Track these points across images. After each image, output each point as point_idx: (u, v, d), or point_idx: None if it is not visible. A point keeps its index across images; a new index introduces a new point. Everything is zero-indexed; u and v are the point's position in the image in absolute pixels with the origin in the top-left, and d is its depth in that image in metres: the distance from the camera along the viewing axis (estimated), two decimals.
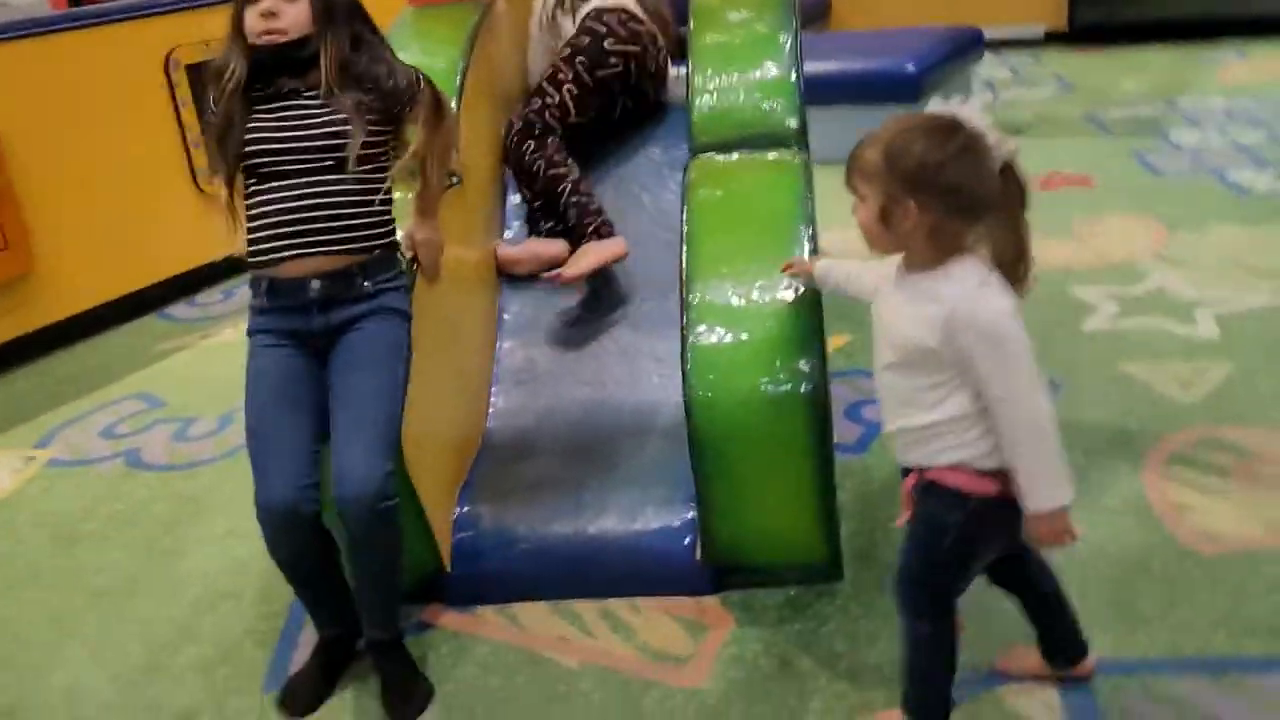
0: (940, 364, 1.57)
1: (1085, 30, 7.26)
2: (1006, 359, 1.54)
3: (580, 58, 2.91)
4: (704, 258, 2.22)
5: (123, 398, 3.60)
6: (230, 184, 2.06)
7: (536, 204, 2.91)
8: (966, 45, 5.52)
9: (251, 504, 1.96)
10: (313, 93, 2.03)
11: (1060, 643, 1.88)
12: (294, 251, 2.00)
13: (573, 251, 2.81)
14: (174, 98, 4.34)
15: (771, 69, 2.61)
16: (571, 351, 2.80)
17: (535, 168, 2.85)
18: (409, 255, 2.22)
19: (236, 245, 2.08)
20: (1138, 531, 2.27)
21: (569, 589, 2.27)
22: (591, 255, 2.78)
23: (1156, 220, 3.97)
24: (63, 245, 4.03)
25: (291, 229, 2.00)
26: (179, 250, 4.43)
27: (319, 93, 2.02)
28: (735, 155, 2.48)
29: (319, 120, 2.02)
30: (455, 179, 2.41)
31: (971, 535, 1.65)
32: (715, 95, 2.57)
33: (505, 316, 2.90)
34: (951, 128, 1.57)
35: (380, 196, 2.06)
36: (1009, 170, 1.60)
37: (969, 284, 1.57)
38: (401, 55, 2.84)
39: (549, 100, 2.89)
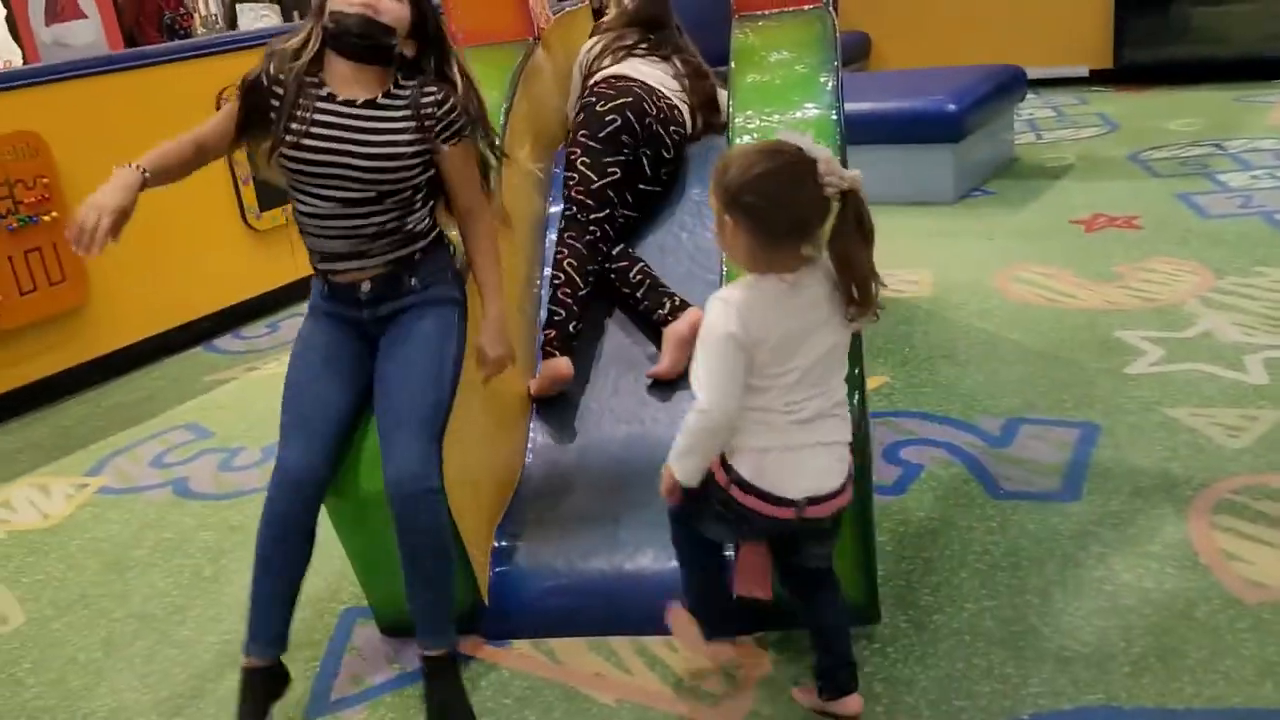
0: None
1: (1131, 70, 7.23)
2: (699, 358, 1.77)
3: (581, 131, 2.92)
4: None
5: (172, 428, 3.67)
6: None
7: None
8: (1009, 84, 5.52)
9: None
10: (369, 100, 2.06)
11: (825, 673, 1.97)
12: (345, 265, 2.09)
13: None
14: None
15: (812, 109, 2.63)
16: (610, 388, 2.82)
17: (566, 264, 2.80)
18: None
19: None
20: (1183, 578, 2.24)
21: (605, 625, 2.28)
22: (679, 346, 2.69)
23: (1203, 263, 3.93)
24: (116, 279, 4.14)
25: (342, 248, 2.08)
26: (227, 284, 4.53)
27: (376, 100, 2.06)
28: None
29: (375, 140, 2.05)
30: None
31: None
32: (756, 135, 2.58)
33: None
34: (774, 152, 1.71)
35: (421, 199, 2.13)
36: (848, 198, 1.70)
37: (725, 292, 1.78)
38: None
39: (570, 180, 2.89)
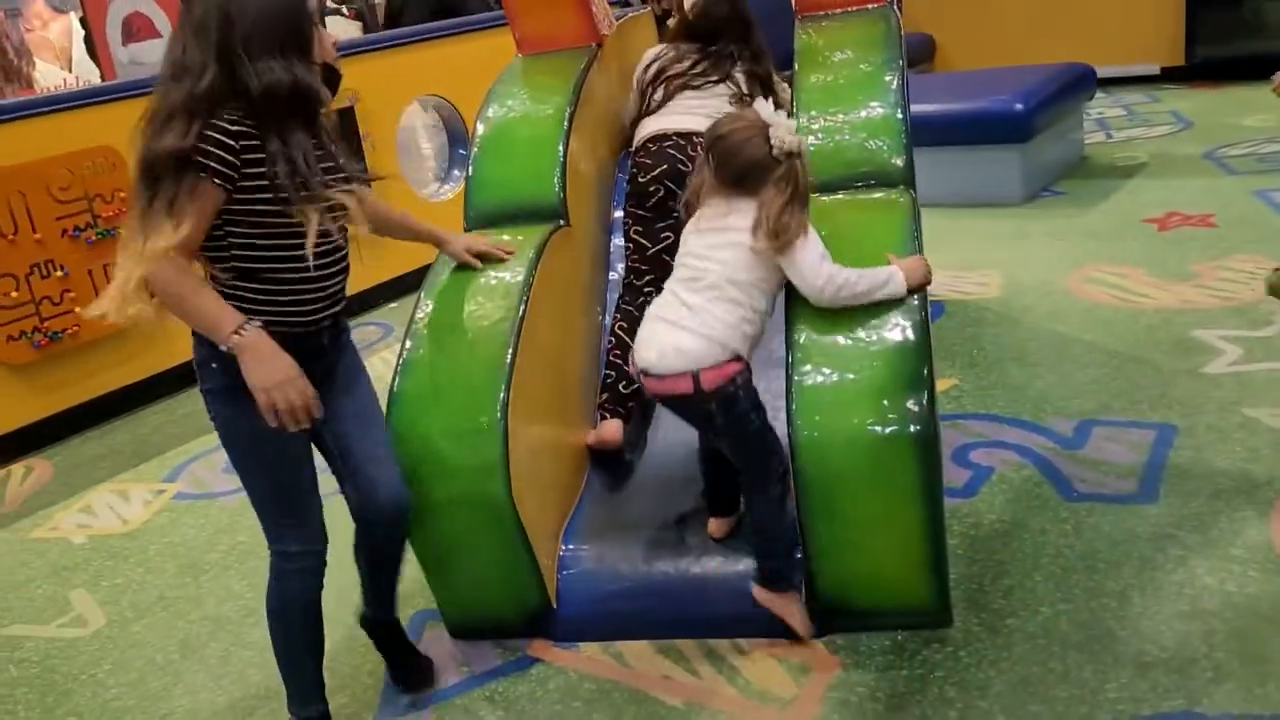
0: None
1: (1203, 66, 7.06)
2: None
3: (630, 202, 2.91)
4: None
5: None
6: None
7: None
8: (1077, 83, 5.42)
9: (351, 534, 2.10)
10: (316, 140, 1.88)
11: (757, 566, 2.24)
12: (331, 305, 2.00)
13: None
14: None
15: (877, 108, 2.61)
16: None
17: (617, 328, 2.81)
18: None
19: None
20: (1266, 581, 2.18)
21: (673, 628, 2.28)
22: None
23: None
24: None
25: (334, 286, 1.99)
26: None
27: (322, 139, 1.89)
28: (841, 195, 2.47)
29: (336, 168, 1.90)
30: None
31: None
32: (821, 135, 2.57)
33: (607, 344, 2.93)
34: (736, 116, 2.22)
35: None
36: (791, 158, 2.11)
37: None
38: (510, 102, 2.95)
39: (627, 249, 2.91)
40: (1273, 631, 2.03)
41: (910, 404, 2.01)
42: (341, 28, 7.14)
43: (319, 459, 2.05)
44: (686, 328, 2.10)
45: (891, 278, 2.14)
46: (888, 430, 2.01)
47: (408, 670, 2.28)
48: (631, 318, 2.79)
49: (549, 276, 2.49)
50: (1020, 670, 2.03)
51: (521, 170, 2.75)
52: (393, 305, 4.90)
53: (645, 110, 2.98)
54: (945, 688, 2.01)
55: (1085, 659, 2.03)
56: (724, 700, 2.08)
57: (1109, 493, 2.57)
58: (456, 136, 5.37)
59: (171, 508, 3.30)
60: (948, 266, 4.19)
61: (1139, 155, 5.57)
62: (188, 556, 2.97)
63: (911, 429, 2.00)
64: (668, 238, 2.80)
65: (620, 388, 2.71)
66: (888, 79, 2.65)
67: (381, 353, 4.34)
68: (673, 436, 2.70)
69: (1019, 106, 4.89)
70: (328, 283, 1.95)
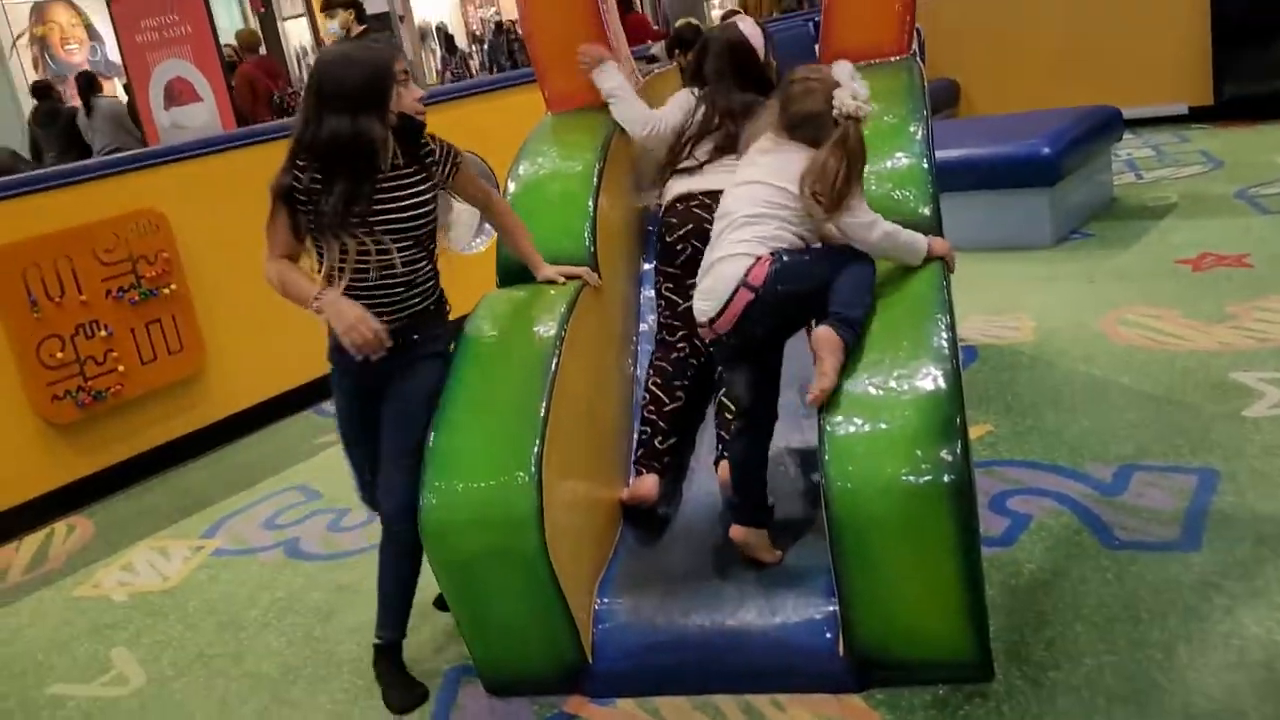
0: None
1: (1233, 105, 7.02)
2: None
3: (660, 261, 2.95)
4: None
5: (283, 489, 3.78)
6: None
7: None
8: (1104, 125, 5.41)
9: None
10: (390, 173, 2.29)
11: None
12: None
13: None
14: None
15: (903, 158, 2.63)
16: (705, 443, 2.82)
17: (651, 384, 2.85)
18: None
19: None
20: None
21: (709, 683, 2.26)
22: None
23: None
24: (230, 346, 4.31)
25: (375, 303, 2.33)
26: None
27: (394, 171, 2.29)
28: None
29: (410, 199, 2.31)
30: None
31: None
32: None
33: (640, 400, 2.94)
34: (814, 69, 2.38)
35: (430, 258, 2.40)
36: (848, 122, 2.24)
37: None
38: (540, 158, 3.01)
39: (659, 306, 2.95)
40: None
41: (943, 452, 2.01)
42: None
43: None
44: (727, 258, 2.31)
45: (920, 239, 2.37)
46: (921, 479, 2.00)
47: (402, 689, 2.43)
48: (665, 373, 2.81)
49: (581, 329, 2.52)
50: None
51: (553, 225, 2.79)
52: None
53: (674, 164, 3.00)
54: None
55: (1131, 712, 2.00)
56: None
57: (1151, 540, 2.54)
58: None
59: (210, 564, 3.33)
60: (979, 311, 4.18)
61: (1169, 196, 5.54)
62: (227, 613, 3.00)
63: (945, 478, 1.99)
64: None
65: (656, 443, 2.72)
66: (912, 129, 2.68)
67: None
68: (705, 489, 2.70)
69: (1046, 150, 4.89)
70: (378, 300, 2.33)
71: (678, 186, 2.94)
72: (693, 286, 2.84)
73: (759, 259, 2.28)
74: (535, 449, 2.21)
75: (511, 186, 2.92)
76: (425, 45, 16.38)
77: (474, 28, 17.99)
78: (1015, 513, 2.74)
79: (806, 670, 2.20)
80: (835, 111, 2.24)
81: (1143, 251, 4.70)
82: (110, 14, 6.78)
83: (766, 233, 2.30)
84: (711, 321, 2.33)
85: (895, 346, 2.20)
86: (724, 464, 2.53)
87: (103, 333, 3.90)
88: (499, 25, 16.41)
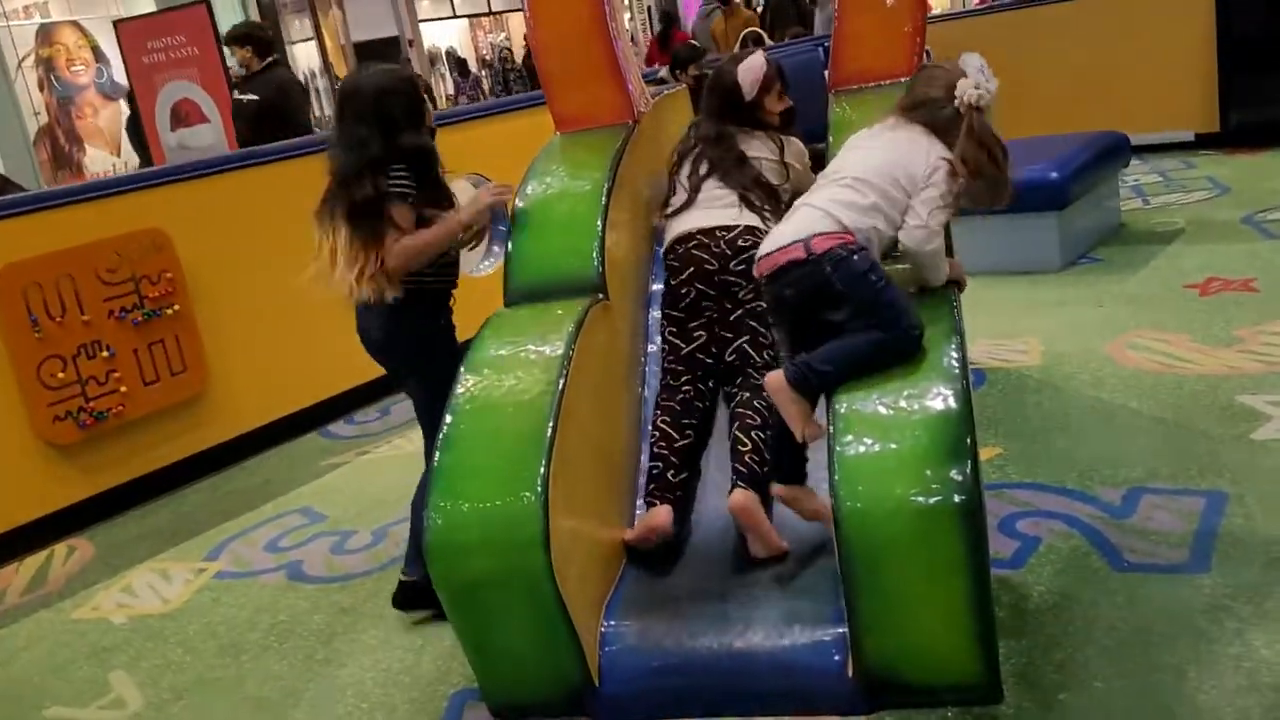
0: None
1: (1239, 131, 7.03)
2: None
3: (664, 306, 2.94)
4: None
5: (286, 512, 3.76)
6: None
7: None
8: (1111, 151, 5.42)
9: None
10: None
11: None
12: None
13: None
14: None
15: None
16: (714, 462, 2.80)
17: (660, 423, 2.81)
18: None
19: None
20: None
21: (717, 706, 2.23)
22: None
23: None
24: (234, 368, 4.30)
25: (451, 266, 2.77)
26: (339, 371, 4.64)
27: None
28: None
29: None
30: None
31: None
32: None
33: (647, 427, 2.93)
34: (944, 61, 2.50)
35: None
36: (970, 109, 2.36)
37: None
38: (548, 179, 3.01)
39: (664, 350, 2.93)
40: None
41: (954, 473, 1.99)
42: None
43: None
44: (814, 209, 2.33)
45: (945, 264, 2.43)
46: (931, 500, 1.98)
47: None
48: (674, 412, 2.80)
49: (588, 350, 2.50)
50: None
51: (561, 245, 2.79)
52: None
53: (665, 204, 3.03)
54: None
55: None
56: None
57: (1160, 562, 2.51)
58: (497, 213, 5.45)
59: (212, 586, 3.30)
60: (988, 334, 4.16)
61: (1176, 221, 5.54)
62: (228, 636, 2.97)
63: (955, 499, 1.97)
64: (700, 336, 2.85)
65: (670, 476, 2.69)
66: None
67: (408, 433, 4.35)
68: (713, 510, 2.68)
69: (1055, 175, 4.89)
70: (451, 265, 2.79)
71: (676, 226, 2.96)
72: (696, 330, 2.89)
73: (840, 235, 2.28)
74: (542, 470, 2.19)
75: (520, 206, 2.92)
76: (435, 70, 16.50)
77: (484, 53, 18.15)
78: (1024, 535, 2.72)
79: (815, 692, 2.17)
80: (956, 100, 2.35)
81: (1150, 276, 4.69)
82: (117, 36, 6.83)
83: (865, 202, 2.32)
84: (760, 259, 2.38)
85: (906, 366, 2.18)
86: (737, 492, 2.49)
87: (105, 353, 3.89)
88: (503, 55, 16.65)
